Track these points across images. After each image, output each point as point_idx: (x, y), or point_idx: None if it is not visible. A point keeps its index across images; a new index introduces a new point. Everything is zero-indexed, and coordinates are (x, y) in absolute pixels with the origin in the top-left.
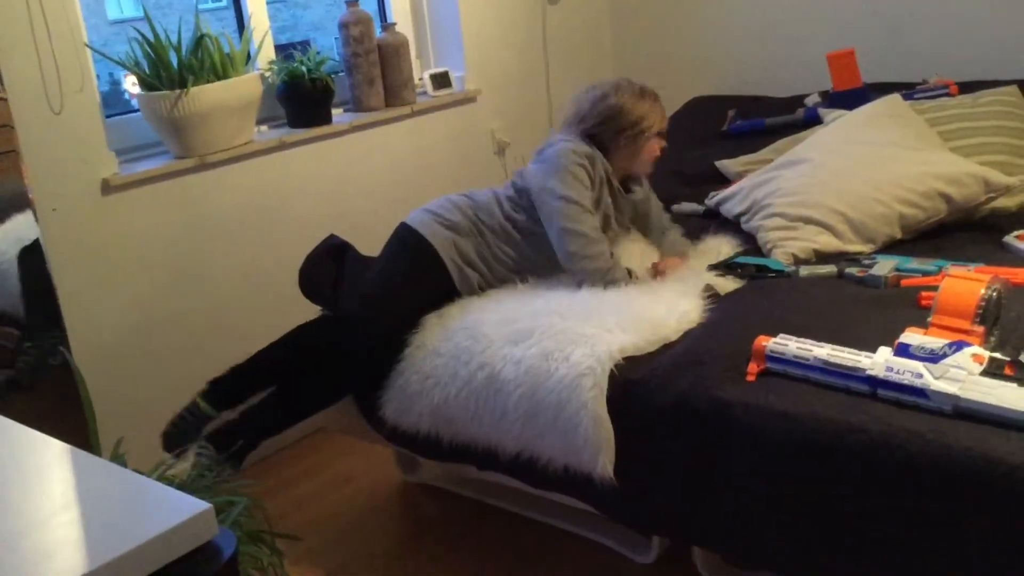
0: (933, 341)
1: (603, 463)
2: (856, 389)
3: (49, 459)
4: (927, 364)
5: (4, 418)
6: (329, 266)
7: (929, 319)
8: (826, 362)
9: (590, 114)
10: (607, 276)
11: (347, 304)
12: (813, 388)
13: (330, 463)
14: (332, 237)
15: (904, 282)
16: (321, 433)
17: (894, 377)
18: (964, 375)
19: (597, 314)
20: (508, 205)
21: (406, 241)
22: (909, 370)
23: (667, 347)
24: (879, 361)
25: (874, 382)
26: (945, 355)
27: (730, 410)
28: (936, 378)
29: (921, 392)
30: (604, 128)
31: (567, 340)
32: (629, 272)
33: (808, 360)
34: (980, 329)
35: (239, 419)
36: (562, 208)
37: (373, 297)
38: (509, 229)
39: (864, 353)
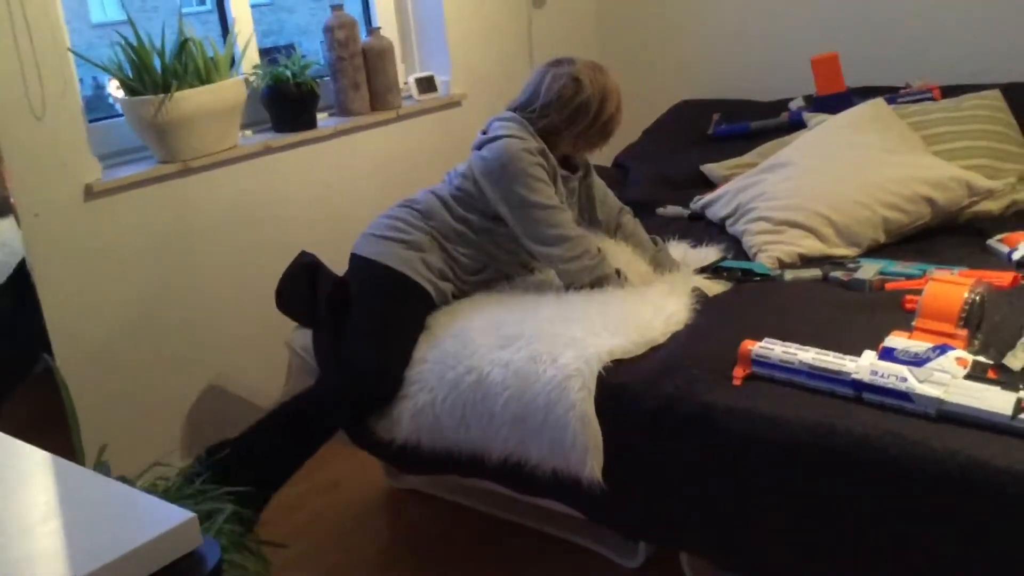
0: (917, 345)
1: (591, 465)
2: (841, 393)
3: (31, 468)
4: (911, 368)
5: None
6: (303, 284)
7: (913, 323)
8: (811, 366)
9: (556, 107)
10: (595, 272)
11: (360, 364)
12: (798, 392)
13: (316, 469)
14: (304, 255)
15: (888, 286)
16: None
17: (879, 381)
18: (948, 379)
19: (585, 317)
20: (459, 207)
21: (376, 276)
22: (894, 374)
23: (654, 350)
24: (864, 365)
25: (859, 386)
26: (929, 359)
27: (716, 414)
28: (920, 381)
29: (906, 396)
30: (569, 122)
31: (555, 343)
32: (618, 272)
33: (793, 364)
34: (964, 333)
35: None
36: (537, 216)
37: (374, 344)
38: (463, 231)
39: (849, 357)
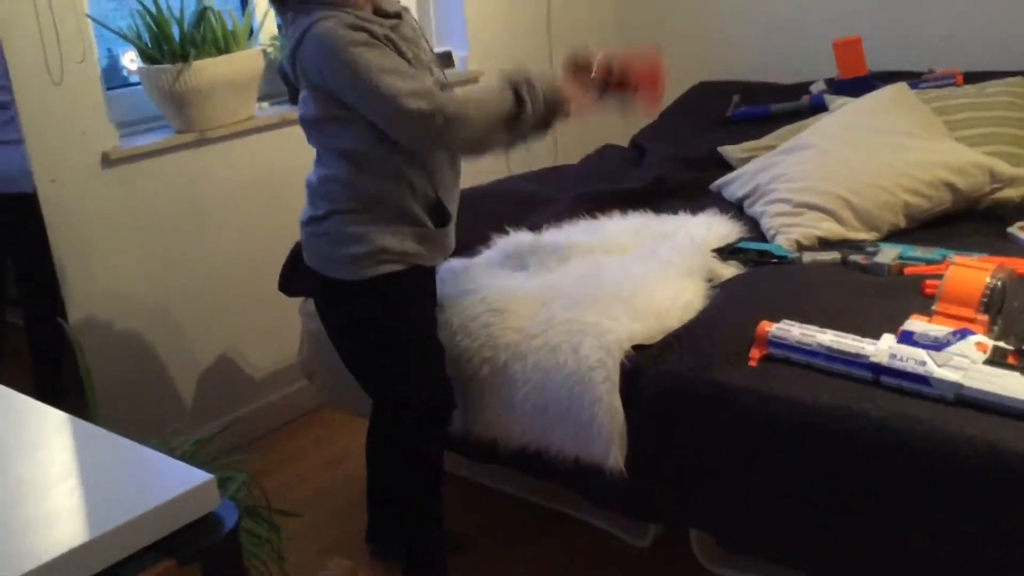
0: (937, 329)
1: (615, 455)
2: (859, 376)
3: (49, 428)
4: (930, 352)
5: (3, 387)
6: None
7: (933, 307)
8: (829, 348)
9: None
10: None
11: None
12: (816, 374)
13: (329, 440)
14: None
15: (908, 270)
16: (321, 410)
17: (897, 364)
18: (967, 363)
19: (602, 302)
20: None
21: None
22: (912, 357)
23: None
24: (882, 348)
25: (877, 369)
26: (949, 343)
27: (731, 395)
28: (939, 366)
29: (924, 380)
30: None
31: (574, 331)
32: (560, 98)
33: (811, 346)
34: (984, 318)
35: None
36: (381, 82)
37: (401, 374)
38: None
39: (867, 340)
